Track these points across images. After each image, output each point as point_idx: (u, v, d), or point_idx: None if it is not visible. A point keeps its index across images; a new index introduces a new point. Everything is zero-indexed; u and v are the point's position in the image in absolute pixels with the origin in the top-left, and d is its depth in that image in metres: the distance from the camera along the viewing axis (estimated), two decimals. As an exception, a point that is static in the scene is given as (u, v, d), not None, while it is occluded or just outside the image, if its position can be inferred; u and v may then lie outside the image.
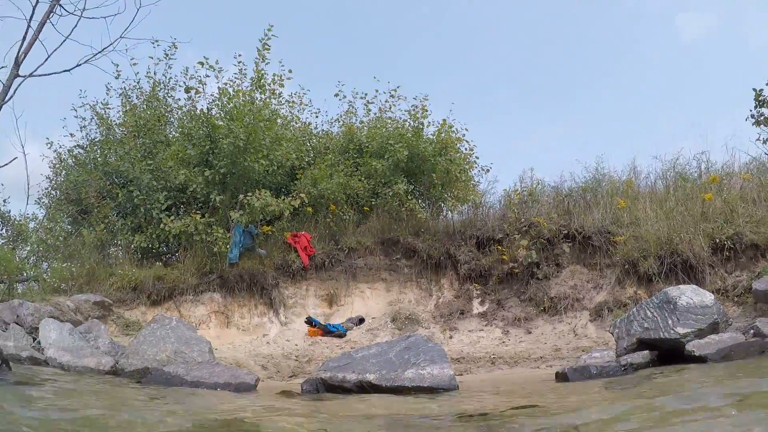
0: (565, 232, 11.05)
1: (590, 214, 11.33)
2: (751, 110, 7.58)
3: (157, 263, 11.75)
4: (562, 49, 38.41)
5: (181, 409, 5.23)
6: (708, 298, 6.77)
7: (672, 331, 6.58)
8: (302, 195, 11.47)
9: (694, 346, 6.28)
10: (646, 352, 6.74)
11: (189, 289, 10.83)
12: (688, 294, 6.87)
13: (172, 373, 7.13)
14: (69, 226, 12.79)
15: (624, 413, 4.02)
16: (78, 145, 13.93)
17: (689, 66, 36.79)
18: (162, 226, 11.06)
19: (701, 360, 6.07)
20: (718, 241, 9.25)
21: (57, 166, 13.86)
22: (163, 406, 5.32)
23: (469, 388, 6.78)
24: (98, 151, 13.38)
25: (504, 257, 11.32)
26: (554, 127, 40.21)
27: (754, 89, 7.44)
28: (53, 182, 13.87)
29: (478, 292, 11.47)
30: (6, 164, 11.62)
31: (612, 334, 7.53)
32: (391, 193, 12.50)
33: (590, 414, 4.14)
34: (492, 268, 11.50)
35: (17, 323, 8.49)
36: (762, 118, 7.46)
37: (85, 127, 14.01)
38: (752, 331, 6.26)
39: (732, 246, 9.15)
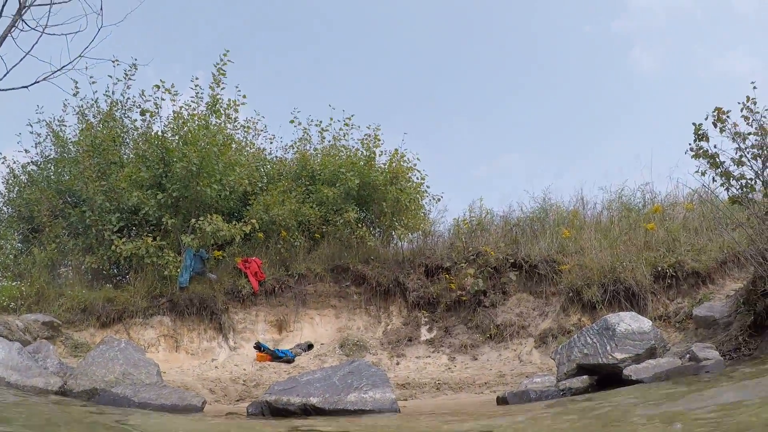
0: (512, 260, 11.34)
1: (537, 243, 11.65)
2: (690, 144, 7.94)
3: (108, 285, 11.59)
4: (520, 79, 39.27)
5: (128, 427, 5.27)
6: (646, 324, 7.05)
7: (610, 357, 6.82)
8: (253, 221, 11.50)
9: (631, 371, 6.52)
10: (585, 376, 6.97)
11: (139, 311, 10.70)
12: (626, 321, 7.14)
13: (120, 395, 7.15)
14: (20, 245, 12.62)
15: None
16: (32, 162, 13.81)
17: (640, 99, 38.08)
18: (113, 247, 10.96)
19: (639, 382, 6.31)
20: (660, 269, 9.62)
21: (10, 182, 13.69)
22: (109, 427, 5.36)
23: (411, 412, 6.98)
24: (52, 168, 13.32)
25: (452, 285, 11.53)
26: (507, 156, 40.89)
27: (694, 123, 7.79)
28: (5, 198, 13.73)
29: (426, 319, 11.63)
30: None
31: (554, 360, 7.76)
32: (341, 221, 12.63)
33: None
34: (440, 296, 11.68)
35: (-35, 341, 8.39)
36: (701, 151, 7.83)
37: (40, 143, 13.90)
38: (688, 355, 6.53)
39: (674, 274, 9.52)
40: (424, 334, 11.43)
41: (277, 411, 6.99)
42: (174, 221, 11.30)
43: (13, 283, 10.72)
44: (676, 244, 10.13)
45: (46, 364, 8.13)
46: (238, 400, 8.90)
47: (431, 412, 6.95)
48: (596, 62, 38.31)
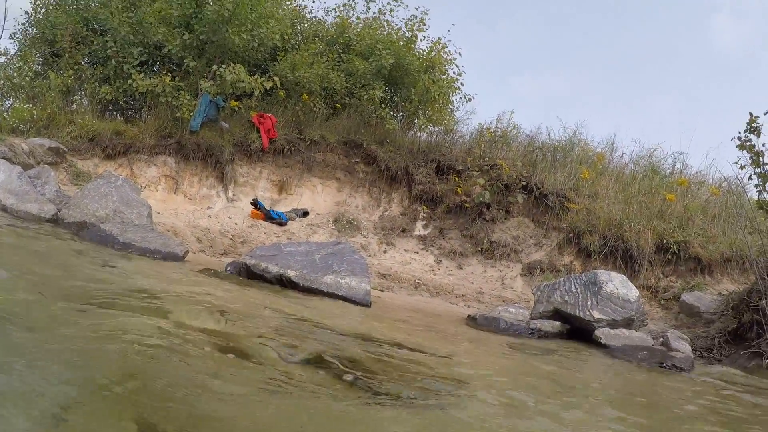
0: (525, 183, 11.12)
1: (554, 173, 11.38)
2: (740, 132, 7.52)
3: (119, 118, 11.52)
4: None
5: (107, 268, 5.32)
6: (633, 293, 6.97)
7: (588, 313, 6.82)
8: (276, 78, 11.22)
9: (602, 334, 6.52)
10: (558, 323, 7.01)
11: (145, 148, 10.66)
12: (615, 282, 7.06)
13: (108, 232, 7.24)
14: (39, 67, 12.28)
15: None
16: (62, -16, 13.10)
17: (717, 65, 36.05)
18: (130, 81, 10.79)
19: (605, 348, 6.35)
20: (665, 242, 9.35)
21: (38, 2, 12.92)
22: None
23: (381, 307, 7.06)
24: (81, -7, 12.70)
25: (459, 189, 11.43)
26: (552, 76, 39.18)
27: (750, 113, 7.33)
28: (31, 18, 13.02)
29: (425, 215, 11.62)
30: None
31: (534, 294, 7.79)
32: (366, 97, 12.33)
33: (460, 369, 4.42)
34: (444, 196, 11.61)
35: (-33, 159, 8.35)
36: (748, 144, 7.42)
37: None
38: (661, 339, 6.49)
39: (677, 252, 9.24)
40: (419, 229, 11.46)
41: (254, 275, 7.15)
42: (196, 64, 11.01)
43: (26, 106, 10.57)
44: (689, 224, 9.79)
45: (44, 190, 8.15)
46: (222, 254, 9.07)
47: (400, 312, 7.02)
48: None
